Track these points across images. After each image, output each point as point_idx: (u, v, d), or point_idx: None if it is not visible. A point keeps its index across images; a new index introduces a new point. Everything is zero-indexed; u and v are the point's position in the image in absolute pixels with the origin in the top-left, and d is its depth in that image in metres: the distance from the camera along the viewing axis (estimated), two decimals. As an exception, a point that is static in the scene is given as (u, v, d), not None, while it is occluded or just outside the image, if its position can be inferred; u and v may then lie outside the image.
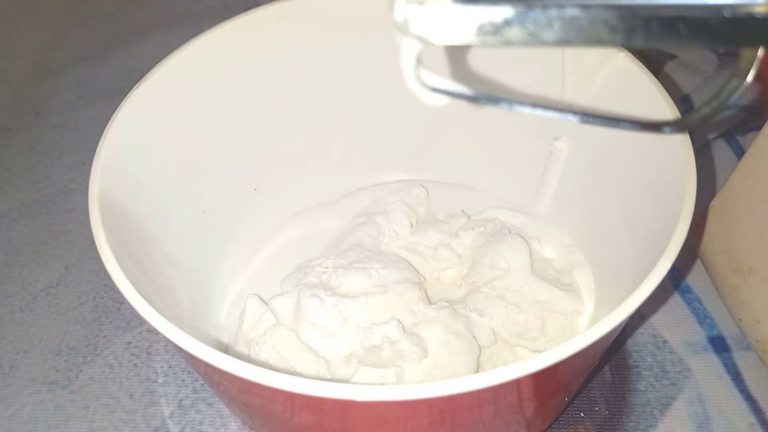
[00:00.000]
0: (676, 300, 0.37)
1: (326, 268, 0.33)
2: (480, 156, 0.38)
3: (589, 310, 0.33)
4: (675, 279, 0.38)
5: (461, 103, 0.37)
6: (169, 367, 0.36)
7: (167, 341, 0.21)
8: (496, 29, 0.15)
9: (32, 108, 0.51)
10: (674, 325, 0.36)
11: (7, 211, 0.44)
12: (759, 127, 0.32)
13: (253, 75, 0.34)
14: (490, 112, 0.36)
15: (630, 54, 0.29)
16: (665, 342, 0.35)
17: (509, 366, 0.19)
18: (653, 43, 0.14)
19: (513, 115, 0.35)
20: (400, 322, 0.30)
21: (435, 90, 0.18)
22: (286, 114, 0.36)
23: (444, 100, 0.18)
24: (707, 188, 0.41)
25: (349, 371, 0.30)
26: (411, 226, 0.37)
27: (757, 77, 0.16)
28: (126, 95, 0.29)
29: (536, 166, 0.36)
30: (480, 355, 0.31)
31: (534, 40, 0.15)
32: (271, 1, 0.32)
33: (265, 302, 0.33)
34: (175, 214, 0.32)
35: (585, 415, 0.33)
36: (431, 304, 0.32)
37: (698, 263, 0.38)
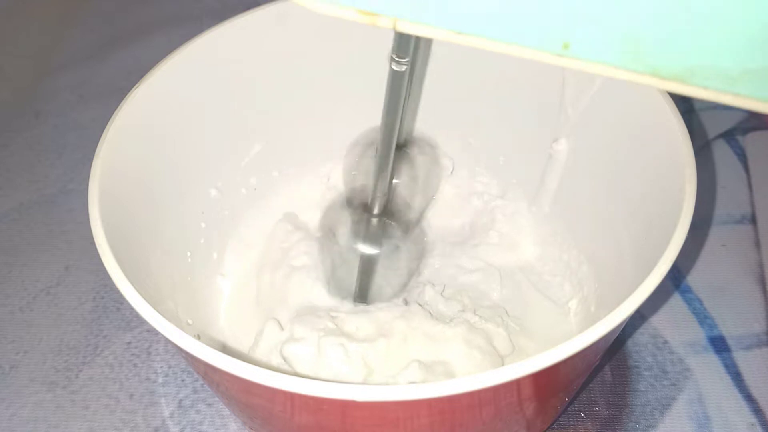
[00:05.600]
0: (676, 300, 0.37)
1: (338, 312, 0.32)
2: (480, 156, 0.38)
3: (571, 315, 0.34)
4: (675, 279, 0.38)
5: (461, 104, 0.37)
6: (169, 367, 0.36)
7: (167, 341, 0.21)
8: None
9: (32, 108, 0.51)
10: (674, 325, 0.36)
11: (7, 211, 0.44)
12: (759, 127, 0.32)
13: (253, 75, 0.34)
14: (489, 113, 0.36)
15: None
16: (665, 342, 0.35)
17: (509, 366, 0.19)
18: None
19: (513, 117, 0.35)
20: (419, 362, 0.29)
21: None
22: (285, 113, 0.36)
23: None
24: (707, 188, 0.41)
25: None
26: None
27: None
28: (126, 95, 0.29)
29: (536, 168, 0.36)
30: (503, 365, 0.31)
31: None
32: (271, 1, 0.32)
33: (282, 328, 0.32)
34: (175, 214, 0.32)
35: (585, 415, 0.33)
36: (447, 321, 0.32)
37: (698, 263, 0.38)
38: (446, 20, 0.17)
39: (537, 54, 0.17)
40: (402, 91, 0.25)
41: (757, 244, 0.39)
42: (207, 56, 0.31)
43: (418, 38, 0.23)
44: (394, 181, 0.33)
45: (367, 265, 0.33)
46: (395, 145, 0.28)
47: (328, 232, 0.34)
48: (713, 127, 0.44)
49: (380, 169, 0.28)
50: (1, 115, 0.51)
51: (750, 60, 0.15)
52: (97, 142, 0.27)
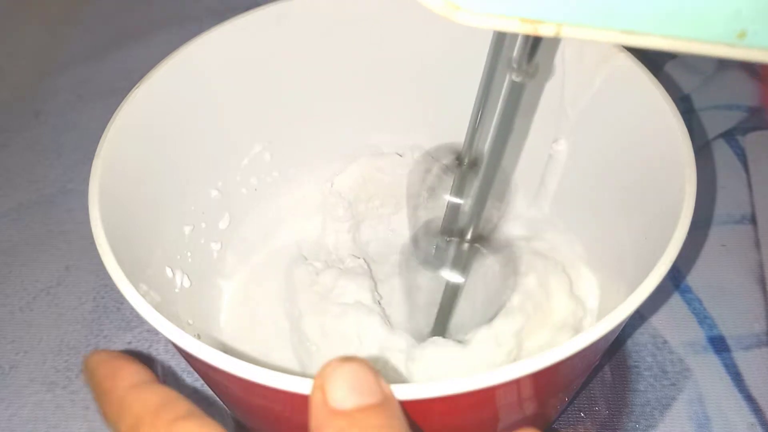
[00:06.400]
0: (676, 300, 0.37)
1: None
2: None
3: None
4: (675, 279, 0.38)
5: (460, 105, 0.37)
6: (170, 367, 0.36)
7: (167, 341, 0.21)
8: None
9: (31, 108, 0.51)
10: (674, 325, 0.36)
11: (6, 211, 0.44)
12: (759, 127, 0.31)
13: (253, 75, 0.34)
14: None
15: (630, 54, 0.29)
16: (665, 342, 0.35)
17: (509, 366, 0.19)
18: None
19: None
20: None
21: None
22: (285, 113, 0.36)
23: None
24: (707, 188, 0.41)
25: None
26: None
27: (757, 77, 0.15)
28: (125, 95, 0.29)
29: (536, 169, 0.36)
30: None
31: None
32: (271, 1, 0.32)
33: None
34: (175, 214, 0.32)
35: (585, 415, 0.33)
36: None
37: (698, 263, 0.38)
38: (616, 20, 0.16)
39: (708, 47, 0.16)
40: (519, 104, 0.22)
41: (757, 244, 0.39)
42: (207, 56, 0.31)
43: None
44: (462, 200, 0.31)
45: (453, 294, 0.30)
46: (468, 162, 0.26)
47: (405, 264, 0.33)
48: (713, 127, 0.44)
49: (482, 191, 0.25)
50: (0, 115, 0.51)
51: None
52: (97, 142, 0.27)
